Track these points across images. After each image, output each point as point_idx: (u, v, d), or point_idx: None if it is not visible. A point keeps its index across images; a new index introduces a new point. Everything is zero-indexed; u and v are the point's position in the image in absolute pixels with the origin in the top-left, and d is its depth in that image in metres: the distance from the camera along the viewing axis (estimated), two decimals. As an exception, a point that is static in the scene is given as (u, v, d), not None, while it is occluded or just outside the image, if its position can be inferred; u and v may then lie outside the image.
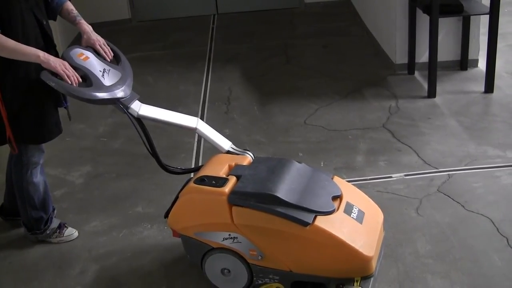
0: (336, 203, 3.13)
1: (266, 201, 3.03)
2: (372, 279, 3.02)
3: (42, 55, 3.19)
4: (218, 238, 3.18)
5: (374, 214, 3.28)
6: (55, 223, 3.92)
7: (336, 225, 3.00)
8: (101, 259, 3.78)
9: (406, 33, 6.15)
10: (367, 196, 3.42)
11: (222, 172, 3.27)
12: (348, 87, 6.04)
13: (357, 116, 5.41)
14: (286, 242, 3.05)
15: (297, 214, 2.98)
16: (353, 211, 3.13)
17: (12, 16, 3.24)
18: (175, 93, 6.14)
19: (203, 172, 3.30)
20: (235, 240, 3.14)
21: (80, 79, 3.24)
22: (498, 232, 3.74)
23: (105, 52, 3.50)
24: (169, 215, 3.35)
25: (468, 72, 6.22)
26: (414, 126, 5.13)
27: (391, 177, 4.41)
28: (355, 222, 3.09)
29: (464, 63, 6.26)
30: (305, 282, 3.14)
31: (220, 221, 3.14)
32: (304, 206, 3.01)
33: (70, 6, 3.60)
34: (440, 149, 4.75)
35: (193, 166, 4.74)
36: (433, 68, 5.61)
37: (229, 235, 3.14)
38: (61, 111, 3.66)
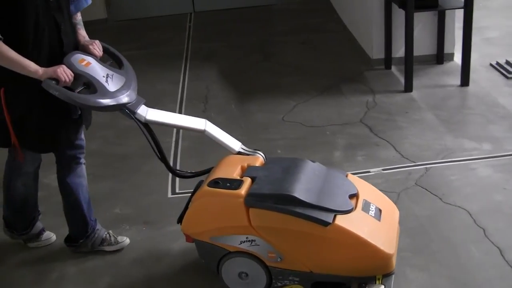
0: (353, 202, 3.11)
1: (284, 202, 2.99)
2: (393, 276, 3.03)
3: (42, 72, 3.03)
4: (235, 242, 3.12)
5: (391, 211, 3.29)
6: (36, 228, 3.86)
7: (356, 223, 2.98)
8: (80, 262, 3.75)
9: (382, 28, 6.18)
10: (381, 193, 3.42)
11: (235, 174, 3.21)
12: (326, 83, 6.06)
13: (335, 111, 5.43)
14: (306, 243, 3.02)
15: (316, 214, 2.95)
16: (370, 208, 3.12)
17: (26, 17, 3.05)
18: (152, 92, 6.12)
19: (215, 175, 3.23)
20: (253, 243, 3.08)
21: (72, 77, 3.09)
22: (475, 223, 3.78)
23: (95, 48, 3.33)
24: (183, 221, 3.28)
25: (444, 66, 6.27)
26: (392, 121, 5.16)
27: (369, 171, 4.44)
28: (373, 219, 3.08)
29: (440, 57, 6.30)
30: (325, 283, 3.11)
31: (237, 224, 3.08)
32: (323, 205, 2.98)
33: (78, 14, 3.45)
34: (417, 142, 4.78)
35: (178, 166, 4.72)
36: (409, 63, 5.65)
37: (247, 238, 3.08)
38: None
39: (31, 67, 3.03)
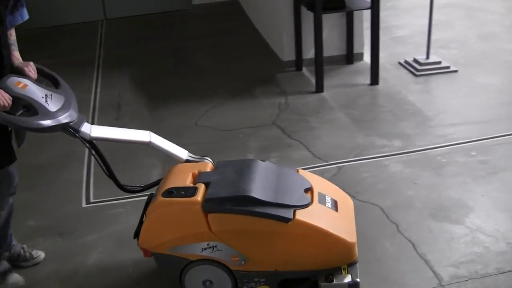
0: (309, 195, 3.11)
1: (242, 203, 2.95)
2: (357, 264, 3.03)
3: None
4: (196, 250, 3.05)
5: (345, 201, 3.30)
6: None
7: (316, 216, 2.98)
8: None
9: (292, 30, 6.23)
10: (333, 185, 3.42)
11: (188, 182, 3.14)
12: (238, 87, 6.06)
13: (248, 114, 5.44)
14: (269, 241, 2.99)
15: (276, 212, 2.93)
16: (326, 200, 3.13)
17: None
18: (63, 102, 6.00)
19: (167, 185, 3.15)
20: (215, 249, 3.02)
21: (11, 101, 2.96)
22: (389, 219, 3.84)
23: (30, 71, 3.21)
24: (140, 235, 3.15)
25: (354, 66, 6.37)
26: (304, 121, 5.20)
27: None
28: (331, 211, 3.09)
29: (350, 57, 6.40)
30: (292, 279, 3.08)
31: (196, 232, 3.01)
32: (281, 202, 2.97)
33: (13, 30, 3.34)
34: (329, 142, 4.83)
35: (91, 175, 4.64)
36: (319, 64, 5.71)
37: (208, 244, 3.02)
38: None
39: None
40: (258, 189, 3.02)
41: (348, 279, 2.96)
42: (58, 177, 4.63)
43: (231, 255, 3.04)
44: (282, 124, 5.19)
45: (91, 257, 3.71)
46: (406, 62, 6.37)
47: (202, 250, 3.04)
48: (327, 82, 5.83)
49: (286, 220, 2.93)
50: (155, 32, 8.12)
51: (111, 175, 3.36)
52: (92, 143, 3.25)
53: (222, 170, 3.24)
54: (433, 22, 6.10)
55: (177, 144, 4.91)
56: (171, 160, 4.63)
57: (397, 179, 4.30)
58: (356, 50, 6.40)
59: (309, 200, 3.07)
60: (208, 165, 3.34)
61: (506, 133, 4.87)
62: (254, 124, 5.23)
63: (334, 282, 2.96)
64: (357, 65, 6.39)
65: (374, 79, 5.88)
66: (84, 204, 4.31)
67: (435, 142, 4.77)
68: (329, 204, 3.13)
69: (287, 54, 6.37)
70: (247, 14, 8.25)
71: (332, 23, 6.20)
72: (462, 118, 5.16)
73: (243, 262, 3.05)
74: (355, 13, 6.18)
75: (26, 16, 3.31)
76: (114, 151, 4.72)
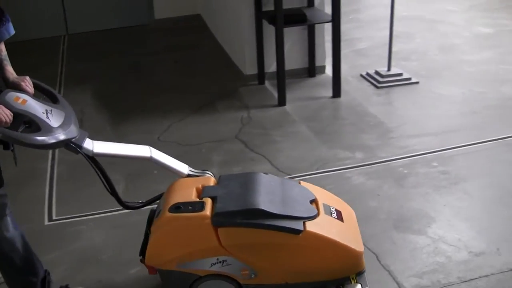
0: (314, 207, 3.11)
1: (252, 217, 2.93)
2: (365, 273, 3.04)
3: None
4: (205, 265, 3.00)
5: (348, 211, 3.30)
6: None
7: (324, 227, 2.98)
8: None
9: (254, 44, 6.24)
10: (334, 195, 3.43)
11: (193, 197, 3.09)
12: (201, 101, 6.05)
13: (210, 129, 5.43)
14: (279, 254, 2.98)
15: (287, 224, 2.92)
16: (331, 211, 3.13)
17: None
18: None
19: (172, 200, 3.08)
20: (225, 263, 2.99)
21: (12, 117, 2.82)
22: (351, 231, 3.84)
23: (27, 85, 3.06)
24: (146, 253, 3.08)
25: (317, 79, 6.40)
26: (266, 135, 5.21)
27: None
28: (338, 221, 3.09)
29: (312, 70, 6.43)
30: None
31: (206, 247, 2.97)
32: (290, 214, 2.96)
33: (2, 45, 3.19)
34: (292, 155, 4.84)
35: (54, 191, 4.58)
36: (281, 77, 5.72)
37: (217, 259, 2.98)
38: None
39: None
40: (266, 202, 3.00)
41: None
42: (19, 194, 4.56)
43: (240, 269, 3.02)
44: (245, 138, 5.18)
45: (54, 275, 3.65)
46: (367, 74, 6.42)
47: (212, 265, 3.01)
48: (289, 95, 5.85)
49: (297, 232, 2.93)
50: (118, 47, 8.08)
51: (113, 192, 3.27)
52: (94, 159, 3.15)
53: (226, 184, 3.21)
54: (394, 34, 6.16)
55: (139, 161, 4.92)
56: (135, 175, 4.64)
57: (360, 191, 4.32)
58: (318, 63, 6.43)
59: (316, 211, 3.08)
60: (211, 179, 3.30)
61: (467, 143, 4.93)
62: (216, 139, 5.22)
63: None
64: (319, 78, 6.42)
65: (336, 91, 5.91)
66: (46, 222, 4.26)
67: (396, 154, 4.81)
68: (334, 215, 3.14)
69: (249, 68, 6.38)
70: (210, 28, 8.25)
71: (294, 36, 6.23)
72: (423, 129, 5.21)
73: (253, 276, 3.03)
74: (317, 26, 6.22)
75: (12, 31, 3.17)
76: (76, 166, 4.70)
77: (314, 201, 3.18)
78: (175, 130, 5.45)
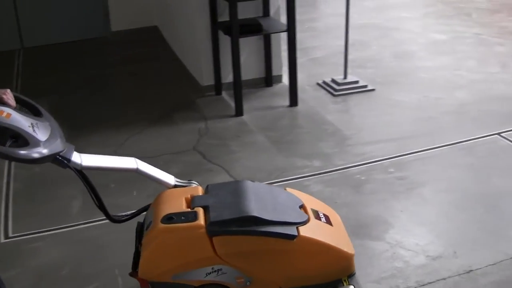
0: (304, 212, 3.11)
1: (246, 224, 2.90)
2: (355, 275, 3.06)
3: None
4: (200, 276, 2.95)
5: (334, 215, 3.30)
6: None
7: (317, 232, 2.99)
8: None
9: (210, 55, 6.23)
10: (319, 200, 3.42)
11: (183, 207, 3.03)
12: (158, 113, 6.03)
13: (168, 141, 5.40)
14: (273, 260, 2.97)
15: (281, 230, 2.91)
16: (320, 216, 3.13)
17: None
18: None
19: (162, 211, 3.01)
20: (220, 272, 2.95)
21: None
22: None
23: (8, 99, 2.92)
24: (140, 267, 2.99)
25: (274, 88, 6.42)
26: (224, 146, 5.20)
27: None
28: (327, 225, 3.09)
29: (269, 79, 6.44)
30: None
31: (201, 257, 2.92)
32: (284, 220, 2.95)
33: None
34: (250, 165, 4.84)
35: (10, 208, 4.51)
36: (238, 87, 5.73)
37: (212, 268, 2.93)
38: None
39: None
40: (259, 209, 2.99)
41: None
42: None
43: (236, 277, 2.99)
44: (203, 149, 5.17)
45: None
46: (324, 82, 6.45)
47: (207, 275, 2.97)
48: (246, 106, 5.86)
49: (291, 237, 2.92)
50: (74, 60, 8.01)
51: (101, 206, 3.18)
52: (82, 173, 3.05)
53: (215, 193, 3.16)
54: (350, 42, 6.22)
55: (97, 174, 4.86)
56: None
57: (318, 198, 4.30)
58: (274, 72, 6.45)
59: (307, 216, 3.07)
60: (198, 189, 3.25)
61: (422, 149, 4.98)
62: (174, 151, 5.20)
63: None
64: (276, 87, 6.44)
65: (293, 100, 5.94)
66: (2, 239, 4.19)
67: (353, 161, 4.84)
68: (323, 219, 3.14)
69: (206, 79, 6.37)
70: (166, 40, 8.23)
71: (250, 46, 6.24)
72: (380, 136, 5.26)
73: (248, 283, 3.01)
74: (273, 36, 6.24)
75: None
76: (32, 182, 4.66)
77: (302, 207, 3.18)
78: (132, 143, 5.42)
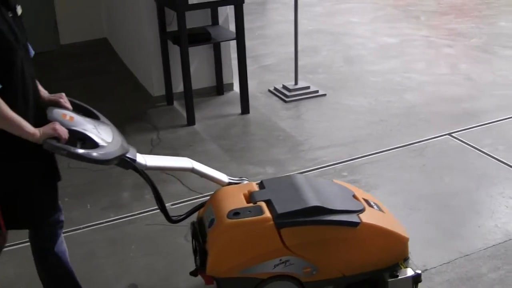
0: (358, 201, 3.21)
1: (312, 214, 2.99)
2: (410, 259, 3.17)
3: (40, 133, 2.65)
4: (268, 268, 2.99)
5: (380, 203, 3.39)
6: None
7: (375, 218, 3.11)
8: None
9: (161, 65, 6.21)
10: (361, 190, 3.53)
11: (244, 202, 3.11)
12: (110, 125, 5.96)
13: (120, 152, 5.34)
14: (337, 248, 3.05)
15: (345, 218, 3.02)
16: (371, 204, 3.23)
17: (14, 66, 2.71)
18: None
19: (223, 208, 3.08)
20: (287, 263, 3.00)
21: (68, 134, 2.72)
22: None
23: (66, 102, 2.99)
24: (208, 264, 3.02)
25: (225, 96, 6.42)
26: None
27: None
28: (381, 212, 3.21)
29: (220, 88, 6.44)
30: (355, 283, 3.14)
31: (269, 249, 2.98)
32: (345, 209, 3.05)
33: None
34: (203, 174, 4.82)
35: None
36: (189, 97, 5.71)
37: (280, 260, 2.99)
38: None
39: (29, 128, 2.63)
40: (320, 199, 3.08)
41: (410, 272, 3.11)
42: None
43: (302, 267, 3.04)
44: (155, 159, 5.13)
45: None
46: (275, 89, 6.47)
47: (275, 267, 3.01)
48: (198, 115, 5.84)
49: (355, 224, 3.03)
50: (23, 75, 7.90)
51: (163, 209, 3.23)
52: (145, 174, 3.09)
53: (272, 187, 3.24)
54: (301, 48, 6.25)
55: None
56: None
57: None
58: (225, 81, 6.45)
59: (362, 205, 3.18)
60: (252, 184, 3.33)
61: (374, 152, 5.03)
62: (126, 162, 5.14)
63: (399, 277, 3.10)
64: (227, 95, 6.44)
65: (245, 108, 5.94)
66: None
67: (306, 166, 4.85)
68: (375, 207, 3.25)
69: (157, 89, 6.35)
70: (117, 51, 8.18)
71: (200, 55, 6.23)
72: (332, 140, 5.29)
73: (314, 272, 3.07)
74: (222, 44, 6.25)
75: (32, 52, 3.05)
76: None
77: (355, 196, 3.29)
78: (84, 156, 5.35)
